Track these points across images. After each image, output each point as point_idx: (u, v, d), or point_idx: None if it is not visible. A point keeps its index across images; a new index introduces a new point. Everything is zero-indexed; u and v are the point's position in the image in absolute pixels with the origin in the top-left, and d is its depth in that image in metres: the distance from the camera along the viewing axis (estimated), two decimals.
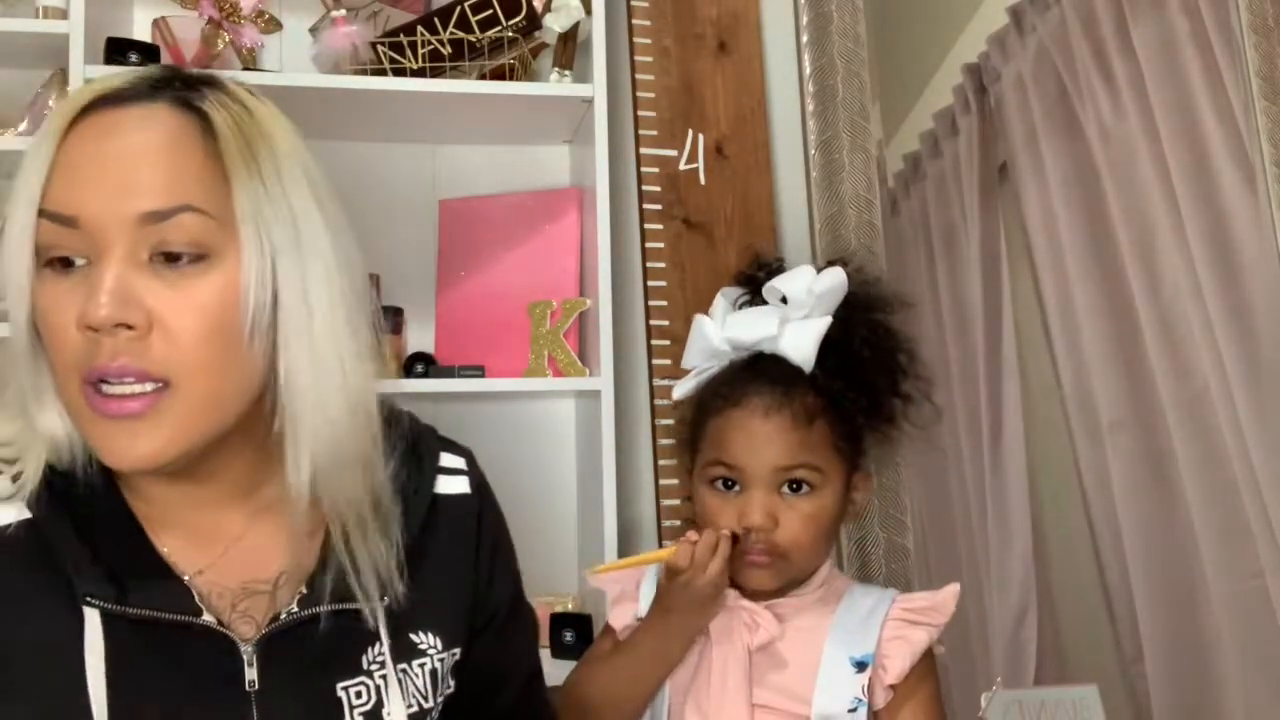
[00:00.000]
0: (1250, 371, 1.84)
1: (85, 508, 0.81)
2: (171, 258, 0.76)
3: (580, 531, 1.69)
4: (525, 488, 1.71)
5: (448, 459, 0.96)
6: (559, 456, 1.73)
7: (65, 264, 0.76)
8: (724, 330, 1.17)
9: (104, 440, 0.77)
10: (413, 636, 0.89)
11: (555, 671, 1.46)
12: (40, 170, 0.76)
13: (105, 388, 0.75)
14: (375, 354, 0.86)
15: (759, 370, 1.13)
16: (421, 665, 0.89)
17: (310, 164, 0.84)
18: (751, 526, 1.07)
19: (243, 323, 0.77)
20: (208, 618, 0.80)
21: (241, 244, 0.78)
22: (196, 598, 0.81)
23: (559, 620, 1.53)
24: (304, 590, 0.84)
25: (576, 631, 1.51)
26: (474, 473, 0.97)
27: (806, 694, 1.06)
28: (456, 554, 0.93)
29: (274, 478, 0.85)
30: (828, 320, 1.13)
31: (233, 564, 0.84)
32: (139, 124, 0.78)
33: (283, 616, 0.83)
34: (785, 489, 1.09)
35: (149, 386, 0.75)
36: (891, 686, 1.08)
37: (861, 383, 1.12)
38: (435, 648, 0.90)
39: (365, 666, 0.86)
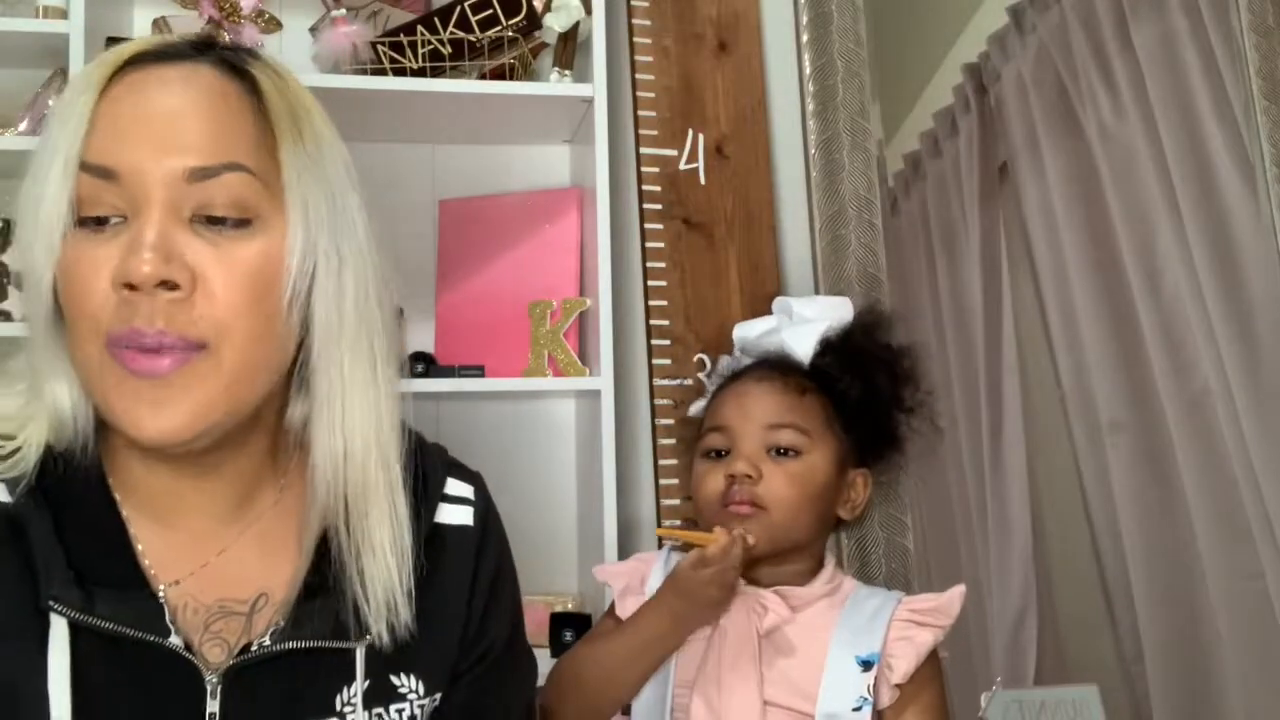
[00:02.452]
0: (1250, 371, 1.84)
1: (71, 502, 0.77)
2: (215, 220, 0.73)
3: (580, 531, 1.70)
4: (525, 488, 1.71)
5: (454, 486, 0.90)
6: (559, 456, 1.73)
7: (99, 223, 0.72)
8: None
9: (128, 408, 0.71)
10: (394, 679, 0.82)
11: None
12: (79, 123, 0.72)
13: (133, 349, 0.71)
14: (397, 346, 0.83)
15: (760, 361, 1.23)
16: (399, 710, 0.82)
17: (342, 146, 0.82)
18: (735, 474, 1.11)
19: (283, 292, 0.74)
20: (174, 640, 0.75)
21: (288, 209, 0.75)
22: (168, 615, 0.75)
23: (559, 620, 1.53)
24: (280, 622, 0.78)
25: (576, 631, 1.51)
26: (480, 502, 0.91)
27: (812, 692, 1.07)
28: (450, 590, 0.86)
29: (272, 486, 0.83)
30: (827, 323, 1.21)
31: (213, 577, 0.79)
32: (185, 79, 0.74)
33: (254, 648, 0.77)
34: (773, 453, 1.14)
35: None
36: (897, 686, 1.08)
37: (856, 373, 1.18)
38: (416, 693, 0.83)
39: (338, 708, 0.79)
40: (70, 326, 0.73)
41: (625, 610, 1.16)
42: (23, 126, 1.52)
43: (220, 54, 0.77)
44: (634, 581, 1.17)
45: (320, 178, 0.77)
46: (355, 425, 0.78)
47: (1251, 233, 1.88)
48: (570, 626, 1.52)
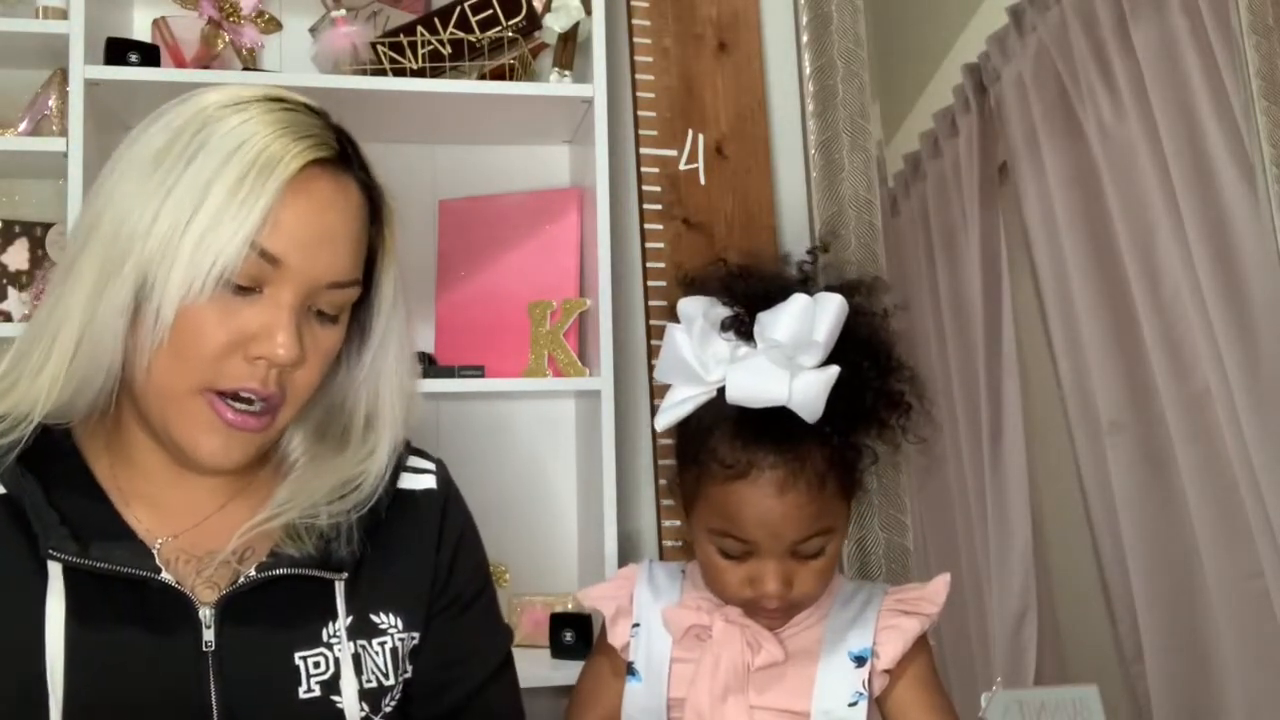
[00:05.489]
0: (1250, 371, 1.84)
1: (57, 475, 0.87)
2: (323, 315, 0.89)
3: (580, 532, 1.69)
4: (525, 488, 1.71)
5: (416, 461, 1.03)
6: (559, 457, 1.73)
7: (240, 289, 0.85)
8: (717, 369, 1.07)
9: (203, 442, 0.86)
10: (373, 617, 0.93)
11: (555, 673, 1.47)
12: (262, 211, 0.84)
13: (231, 400, 0.85)
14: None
15: (761, 429, 1.04)
16: (382, 644, 0.93)
17: None
18: (767, 594, 1.06)
19: (331, 362, 0.92)
20: (166, 576, 0.85)
21: (375, 314, 0.95)
22: (157, 559, 0.87)
23: (559, 620, 1.53)
24: (264, 559, 0.90)
25: (576, 632, 1.51)
26: (442, 473, 1.04)
27: (807, 692, 1.07)
28: (419, 541, 0.99)
29: (258, 461, 0.94)
30: (836, 371, 1.05)
31: (203, 535, 0.90)
32: (344, 202, 0.89)
33: (241, 580, 0.88)
34: (798, 551, 1.06)
35: (261, 404, 0.86)
36: (886, 671, 1.09)
37: (869, 425, 1.09)
38: (396, 627, 0.94)
39: (325, 639, 0.90)
40: (172, 357, 0.84)
41: (617, 637, 1.14)
42: (23, 127, 1.52)
43: (353, 164, 0.91)
44: (624, 602, 1.15)
45: (398, 282, 0.96)
46: (401, 415, 0.98)
47: (1251, 233, 1.88)
48: (570, 627, 1.52)
